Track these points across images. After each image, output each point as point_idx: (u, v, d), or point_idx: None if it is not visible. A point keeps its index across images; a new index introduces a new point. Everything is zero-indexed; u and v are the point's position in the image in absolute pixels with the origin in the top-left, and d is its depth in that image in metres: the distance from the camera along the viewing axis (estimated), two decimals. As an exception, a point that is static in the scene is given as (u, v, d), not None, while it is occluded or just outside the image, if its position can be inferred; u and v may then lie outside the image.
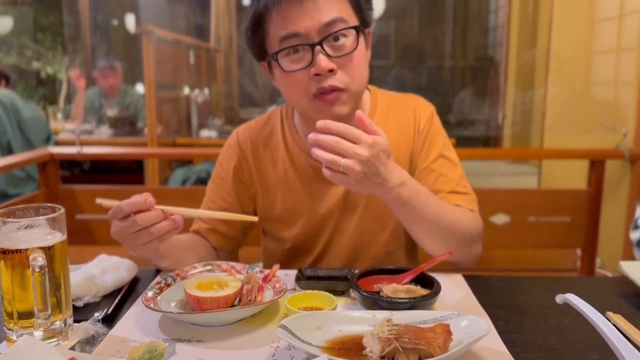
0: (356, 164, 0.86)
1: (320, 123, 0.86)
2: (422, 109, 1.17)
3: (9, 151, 2.87)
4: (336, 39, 0.99)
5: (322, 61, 0.97)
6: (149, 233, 0.86)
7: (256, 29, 1.03)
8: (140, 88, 4.89)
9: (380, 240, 1.17)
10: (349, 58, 1.00)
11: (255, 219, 0.95)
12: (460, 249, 1.04)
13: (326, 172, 0.88)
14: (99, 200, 0.87)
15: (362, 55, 1.03)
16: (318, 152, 0.86)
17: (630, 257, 2.17)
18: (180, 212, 0.89)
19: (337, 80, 0.99)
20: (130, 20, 5.77)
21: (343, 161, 0.85)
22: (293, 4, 0.96)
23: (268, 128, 1.19)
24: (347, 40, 1.00)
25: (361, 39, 1.02)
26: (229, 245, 1.19)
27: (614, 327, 0.67)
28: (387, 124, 1.15)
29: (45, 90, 6.33)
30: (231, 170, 1.18)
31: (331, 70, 0.98)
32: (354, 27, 1.00)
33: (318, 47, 0.97)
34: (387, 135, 1.11)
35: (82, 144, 2.32)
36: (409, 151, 1.15)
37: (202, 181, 3.20)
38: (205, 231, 1.17)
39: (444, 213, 1.02)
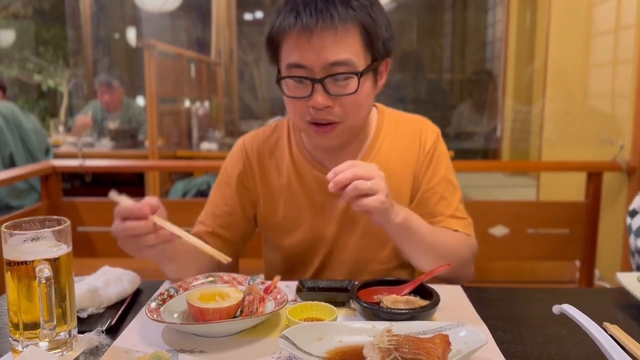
0: (379, 181, 0.92)
1: (330, 175, 0.93)
2: (428, 131, 1.20)
3: (11, 163, 2.89)
4: (338, 79, 1.00)
5: (319, 98, 1.00)
6: (136, 241, 0.88)
7: (271, 44, 1.06)
8: (141, 101, 4.92)
9: (381, 257, 1.18)
10: (348, 98, 1.02)
11: (227, 259, 0.90)
12: (455, 271, 1.07)
13: (355, 206, 0.92)
14: (111, 194, 0.89)
15: (363, 96, 1.04)
16: (344, 190, 0.92)
17: (629, 268, 2.18)
18: (171, 229, 0.88)
19: (333, 114, 1.03)
20: (131, 34, 5.82)
21: (369, 182, 0.91)
22: (303, 36, 0.98)
23: (275, 136, 1.22)
24: (350, 82, 1.01)
25: (364, 80, 1.03)
26: (228, 250, 1.19)
27: (610, 338, 0.69)
28: (393, 143, 1.18)
29: (46, 103, 6.36)
30: (236, 176, 1.20)
31: (328, 106, 1.01)
32: (356, 73, 1.00)
33: (318, 84, 1.00)
34: (392, 153, 1.16)
35: (84, 156, 2.34)
36: (411, 171, 1.17)
37: (203, 193, 3.21)
38: (205, 234, 1.18)
39: (440, 237, 1.08)
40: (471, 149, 4.60)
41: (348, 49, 0.99)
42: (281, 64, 1.05)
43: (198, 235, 1.17)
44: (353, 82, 1.01)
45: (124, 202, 0.88)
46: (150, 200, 0.89)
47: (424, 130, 1.19)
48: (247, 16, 6.11)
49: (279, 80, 1.06)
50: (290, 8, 1.00)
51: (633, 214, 1.31)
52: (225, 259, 0.89)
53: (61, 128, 4.65)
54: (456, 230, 1.14)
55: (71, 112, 5.30)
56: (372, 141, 1.17)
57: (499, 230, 2.19)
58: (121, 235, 0.88)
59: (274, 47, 1.06)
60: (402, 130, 1.19)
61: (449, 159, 1.21)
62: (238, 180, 1.20)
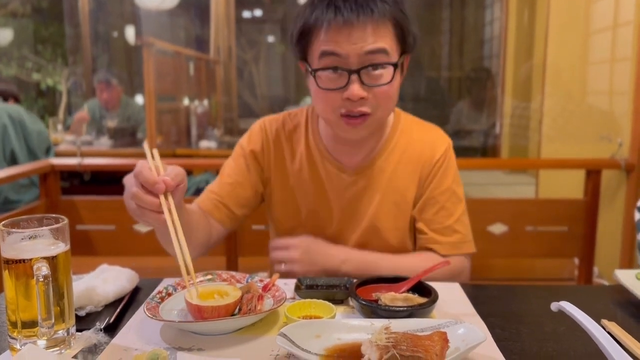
0: (293, 265, 1.10)
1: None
2: (439, 140, 1.22)
3: (13, 160, 2.95)
4: (375, 68, 1.02)
5: (356, 89, 1.02)
6: (138, 208, 0.87)
7: (301, 38, 1.07)
8: (140, 99, 4.91)
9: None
10: (382, 88, 1.04)
11: (192, 282, 0.85)
12: None
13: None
14: (144, 145, 0.92)
15: (395, 88, 1.07)
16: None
17: (627, 265, 2.19)
18: (169, 220, 0.86)
19: (367, 106, 1.04)
20: (130, 32, 5.81)
21: (282, 266, 1.10)
22: (343, 28, 1.00)
23: (294, 122, 1.24)
24: (385, 72, 1.03)
25: (397, 73, 1.05)
26: (230, 222, 1.20)
27: (608, 335, 0.69)
28: (406, 146, 1.20)
29: (45, 101, 6.35)
30: (252, 151, 1.22)
31: (362, 98, 1.03)
32: (393, 64, 1.03)
33: (354, 75, 1.01)
34: (403, 155, 1.18)
35: (83, 155, 2.33)
36: (417, 177, 1.19)
37: (202, 192, 3.20)
38: (212, 202, 1.19)
39: (402, 270, 1.07)
40: (470, 146, 4.60)
41: (384, 38, 1.02)
42: (311, 58, 1.06)
43: (204, 204, 1.19)
44: (387, 73, 1.03)
45: (149, 164, 0.88)
46: (170, 175, 0.87)
47: (437, 140, 1.22)
48: (246, 14, 6.11)
49: (313, 71, 1.05)
50: (328, 3, 1.01)
51: None
52: (188, 284, 0.86)
53: (60, 126, 4.64)
54: (445, 255, 1.16)
55: (70, 110, 5.29)
56: (386, 141, 1.19)
57: (498, 228, 2.19)
58: (128, 195, 0.87)
59: (305, 41, 1.06)
60: (416, 135, 1.21)
61: (457, 170, 1.23)
62: (254, 155, 1.22)
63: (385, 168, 1.18)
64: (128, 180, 0.88)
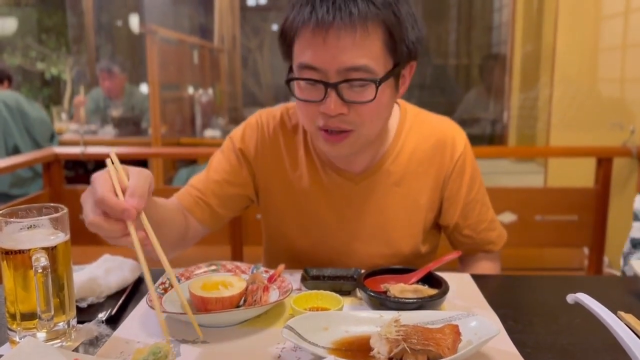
0: None
1: None
2: (458, 133, 1.12)
3: (16, 153, 2.87)
4: (355, 84, 0.91)
5: (332, 104, 0.90)
6: (107, 239, 0.75)
7: (284, 40, 0.97)
8: (145, 88, 4.89)
9: (391, 264, 1.11)
10: (364, 106, 0.92)
11: (199, 335, 0.73)
12: None
13: None
14: (112, 154, 0.76)
15: (381, 105, 0.94)
16: None
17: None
18: (134, 243, 0.72)
19: (346, 122, 0.93)
20: (134, 21, 5.78)
21: None
22: (317, 34, 0.88)
23: (293, 122, 1.12)
24: (368, 88, 0.91)
25: (384, 87, 0.92)
26: (211, 220, 1.10)
27: (627, 328, 0.66)
28: (416, 144, 1.09)
29: (50, 90, 6.34)
30: (243, 152, 1.12)
31: (342, 113, 0.92)
32: (374, 81, 0.90)
33: (332, 89, 0.90)
34: (413, 155, 1.09)
35: (86, 144, 2.31)
36: (431, 178, 1.09)
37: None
38: (193, 200, 1.08)
39: None
40: (476, 134, 4.55)
41: (367, 52, 0.89)
42: (294, 62, 0.96)
43: (185, 201, 1.08)
44: (370, 90, 0.90)
45: (110, 180, 0.73)
46: (136, 190, 0.73)
47: (453, 132, 1.12)
48: (250, 1, 6.05)
49: (288, 81, 0.96)
50: (307, 1, 0.90)
51: None
52: (198, 333, 0.72)
53: (64, 115, 4.63)
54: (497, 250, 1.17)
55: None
56: (392, 143, 1.08)
57: (507, 217, 2.16)
58: (86, 221, 0.73)
59: (287, 43, 0.96)
60: (426, 132, 1.10)
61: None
62: (245, 156, 1.12)
63: (393, 172, 1.08)
64: (86, 201, 0.73)
